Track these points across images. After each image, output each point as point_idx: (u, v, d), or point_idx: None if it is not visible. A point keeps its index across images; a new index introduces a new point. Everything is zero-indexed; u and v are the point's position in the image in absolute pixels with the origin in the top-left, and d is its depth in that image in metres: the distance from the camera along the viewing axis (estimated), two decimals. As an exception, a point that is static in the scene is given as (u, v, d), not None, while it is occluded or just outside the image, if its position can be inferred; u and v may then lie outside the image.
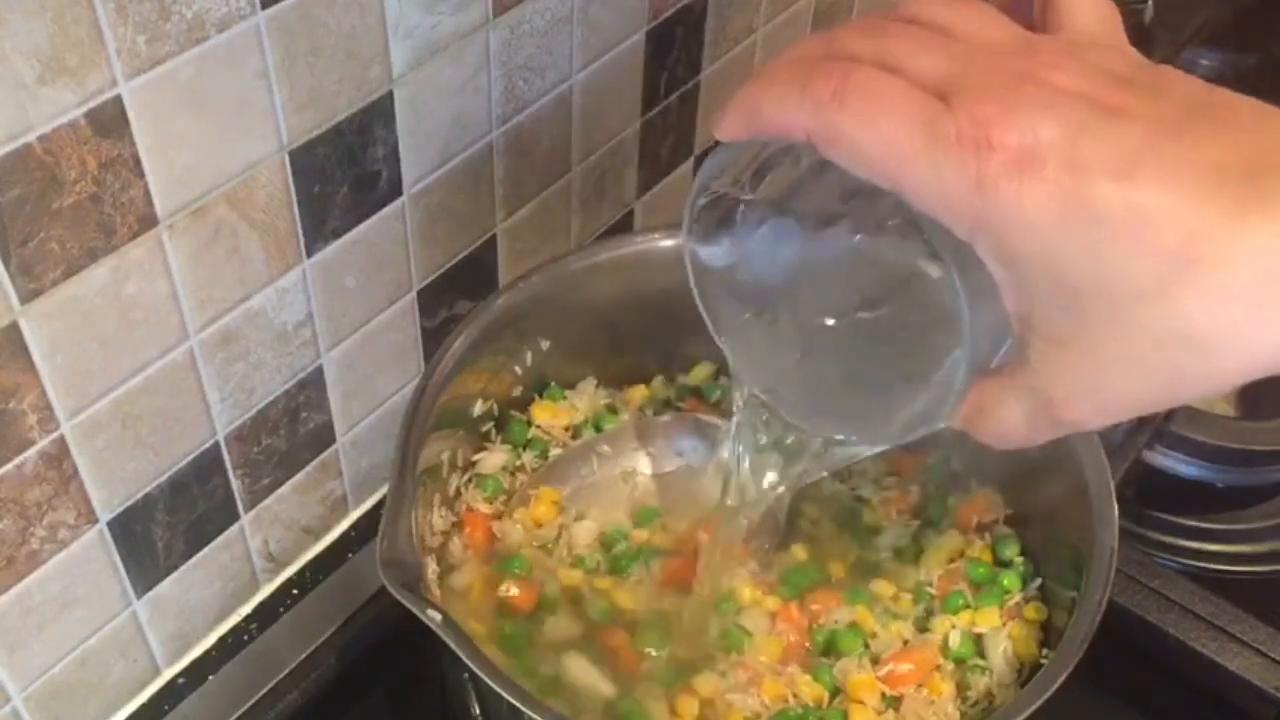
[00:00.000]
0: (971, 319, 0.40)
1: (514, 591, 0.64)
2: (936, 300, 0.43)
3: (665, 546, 0.67)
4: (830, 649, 0.63)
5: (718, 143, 0.43)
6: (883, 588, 0.66)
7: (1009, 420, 0.41)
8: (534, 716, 0.51)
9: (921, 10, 0.40)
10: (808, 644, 0.64)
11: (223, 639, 0.71)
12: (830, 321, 0.49)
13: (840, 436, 0.53)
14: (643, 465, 0.71)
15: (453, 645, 0.51)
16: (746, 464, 0.59)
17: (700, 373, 0.73)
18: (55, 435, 0.56)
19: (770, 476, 0.63)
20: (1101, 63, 0.37)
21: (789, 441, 0.57)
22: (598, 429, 0.71)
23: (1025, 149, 0.34)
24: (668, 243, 0.67)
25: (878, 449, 0.66)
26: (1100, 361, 0.37)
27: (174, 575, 0.66)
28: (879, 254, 0.46)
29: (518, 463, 0.70)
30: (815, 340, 0.50)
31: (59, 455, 0.56)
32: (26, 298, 0.51)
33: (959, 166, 0.35)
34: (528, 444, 0.70)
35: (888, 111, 0.36)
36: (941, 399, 0.44)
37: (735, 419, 0.56)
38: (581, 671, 0.62)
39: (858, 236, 0.46)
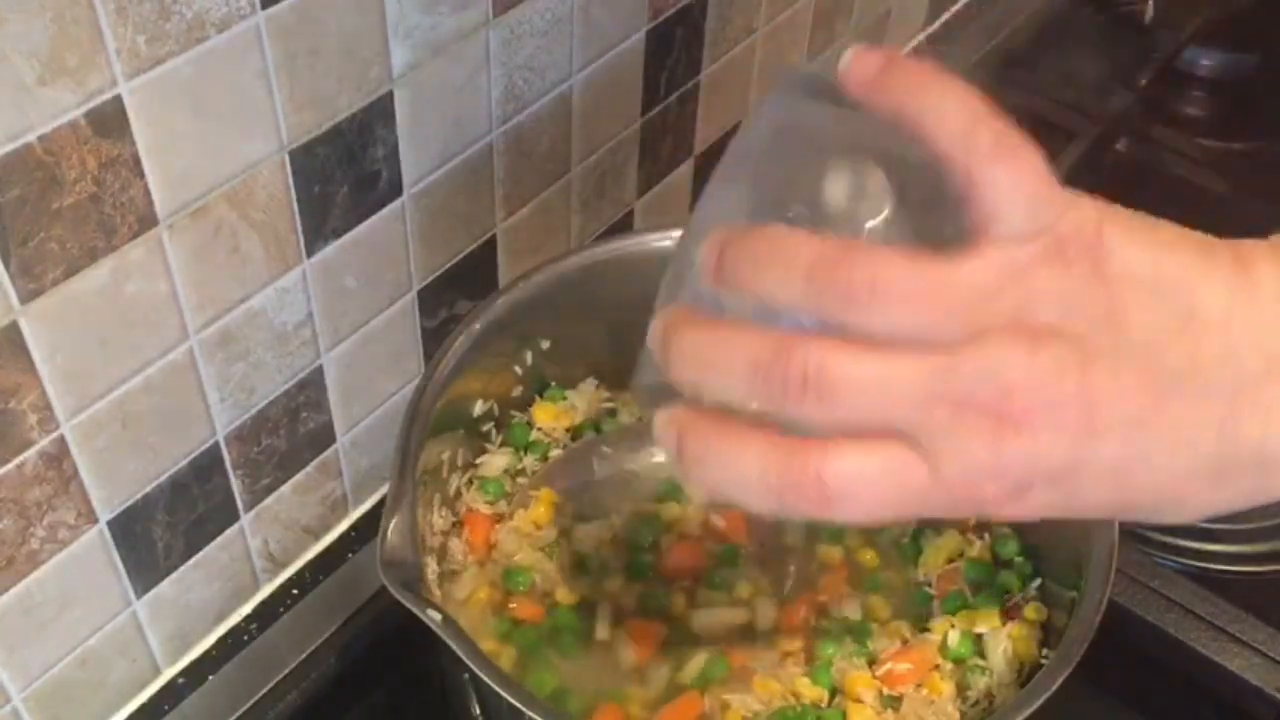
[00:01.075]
0: None
1: (518, 605, 0.64)
2: None
3: (681, 525, 0.68)
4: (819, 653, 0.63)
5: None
6: (891, 579, 0.66)
7: None
8: (534, 717, 0.51)
9: (835, 309, 0.37)
10: (813, 641, 0.64)
11: (223, 639, 0.71)
12: None
13: None
14: (643, 466, 0.71)
15: (453, 645, 0.52)
16: None
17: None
18: (55, 435, 0.56)
19: None
20: (1051, 323, 0.36)
21: None
22: (597, 430, 0.71)
23: (1018, 491, 0.37)
24: (668, 243, 0.67)
25: None
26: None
27: (174, 575, 0.66)
28: None
29: (519, 465, 0.70)
30: None
31: (59, 455, 0.56)
32: (26, 298, 0.51)
33: (963, 509, 0.38)
34: (529, 446, 0.70)
35: (881, 502, 0.37)
36: None
37: None
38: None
39: None
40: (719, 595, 0.66)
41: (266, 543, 0.72)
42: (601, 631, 0.64)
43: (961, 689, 0.61)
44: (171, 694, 0.69)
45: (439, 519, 0.66)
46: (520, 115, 0.71)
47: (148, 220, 0.54)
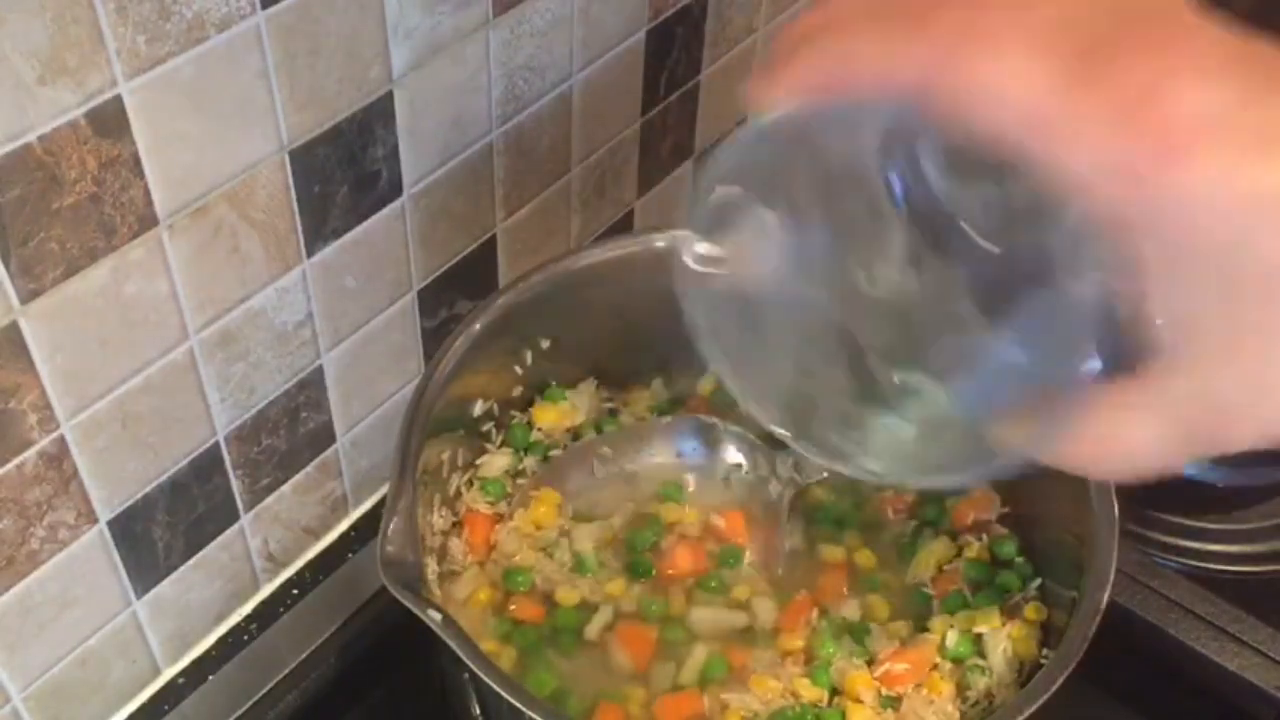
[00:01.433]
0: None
1: (517, 605, 0.64)
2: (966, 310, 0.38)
3: (681, 525, 0.68)
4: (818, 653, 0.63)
5: (718, 143, 0.41)
6: (890, 579, 0.66)
7: (1143, 444, 0.34)
8: (534, 717, 0.51)
9: None
10: (813, 641, 0.64)
11: (223, 639, 0.71)
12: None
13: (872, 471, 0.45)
14: (644, 467, 0.71)
15: (453, 645, 0.52)
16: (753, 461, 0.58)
17: (701, 374, 0.73)
18: (55, 435, 0.56)
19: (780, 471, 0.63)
20: None
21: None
22: (598, 430, 0.71)
23: (1197, 123, 0.29)
24: (667, 243, 0.67)
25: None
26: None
27: (174, 575, 0.66)
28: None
29: (519, 466, 0.70)
30: (814, 353, 0.46)
31: (59, 455, 0.56)
32: (26, 298, 0.51)
33: (1116, 141, 0.30)
34: (529, 447, 0.70)
35: (1026, 66, 0.30)
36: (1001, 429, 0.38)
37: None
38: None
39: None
40: (718, 596, 0.66)
41: (266, 543, 0.72)
42: (591, 634, 0.64)
43: (961, 689, 0.61)
44: (171, 694, 0.69)
45: (439, 519, 0.66)
46: (520, 115, 0.71)
47: (148, 220, 0.54)
